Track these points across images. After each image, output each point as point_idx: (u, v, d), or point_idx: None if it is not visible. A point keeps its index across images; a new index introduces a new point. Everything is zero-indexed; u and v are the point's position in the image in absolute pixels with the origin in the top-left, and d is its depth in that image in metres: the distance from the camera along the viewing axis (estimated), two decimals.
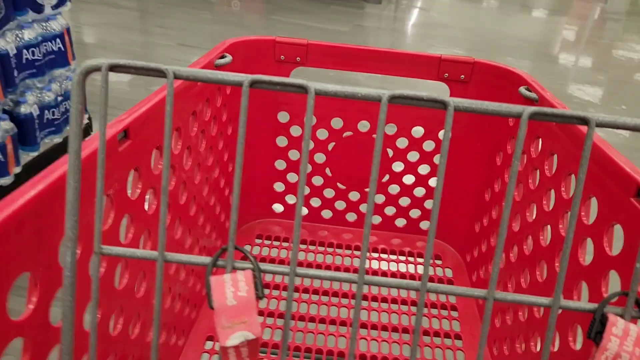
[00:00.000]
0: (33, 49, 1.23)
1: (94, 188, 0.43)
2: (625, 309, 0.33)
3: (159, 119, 0.55)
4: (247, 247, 0.92)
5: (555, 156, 0.66)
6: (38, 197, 0.36)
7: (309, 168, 0.92)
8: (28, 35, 1.21)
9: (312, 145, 0.90)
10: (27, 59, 1.22)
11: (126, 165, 0.50)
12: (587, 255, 0.57)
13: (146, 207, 0.55)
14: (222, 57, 0.75)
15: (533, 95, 0.73)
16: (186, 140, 0.64)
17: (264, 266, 0.33)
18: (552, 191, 0.65)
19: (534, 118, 0.31)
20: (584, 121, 0.31)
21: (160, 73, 0.31)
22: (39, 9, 1.24)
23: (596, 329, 0.32)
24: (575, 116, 0.31)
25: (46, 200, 0.37)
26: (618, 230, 0.52)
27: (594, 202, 0.57)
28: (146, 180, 0.54)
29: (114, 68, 0.31)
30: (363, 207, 0.96)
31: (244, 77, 0.31)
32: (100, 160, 0.31)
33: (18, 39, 1.19)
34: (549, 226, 0.65)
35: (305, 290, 0.84)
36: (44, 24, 1.27)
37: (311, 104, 0.31)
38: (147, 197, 0.55)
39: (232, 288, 0.31)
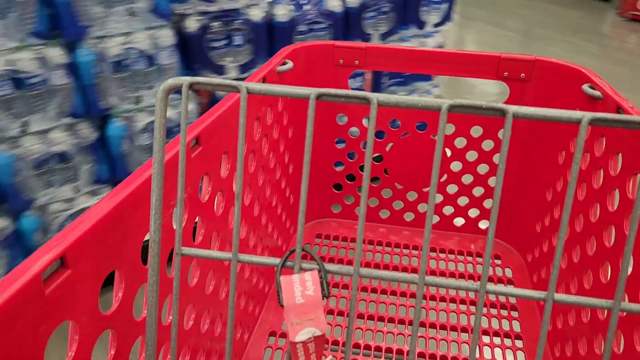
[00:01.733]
0: None
1: (171, 193, 0.46)
2: None
3: (226, 126, 0.58)
4: (307, 246, 0.95)
5: (620, 155, 0.64)
6: (124, 202, 0.40)
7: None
8: None
9: None
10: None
11: (198, 170, 0.54)
12: None
13: (216, 208, 0.58)
14: (284, 63, 0.78)
15: (597, 93, 0.72)
16: (250, 145, 0.68)
17: (329, 267, 0.35)
18: (617, 191, 0.64)
19: (594, 124, 0.32)
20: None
21: (234, 89, 0.33)
22: (421, 25, 1.41)
23: None
24: (638, 121, 0.31)
25: (130, 205, 0.41)
26: None
27: None
28: (216, 183, 0.57)
29: (193, 85, 0.33)
30: (421, 207, 0.97)
31: (310, 91, 0.33)
32: (181, 170, 0.34)
33: None
34: (612, 227, 0.64)
35: (366, 289, 0.86)
36: (422, 40, 1.43)
37: (374, 114, 0.33)
38: (216, 199, 0.59)
39: (300, 287, 0.33)
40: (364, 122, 0.90)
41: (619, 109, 0.66)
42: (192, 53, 1.23)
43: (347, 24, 1.33)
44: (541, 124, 0.86)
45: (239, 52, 1.23)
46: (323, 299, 0.34)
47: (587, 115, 0.31)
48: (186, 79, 0.33)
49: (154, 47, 1.13)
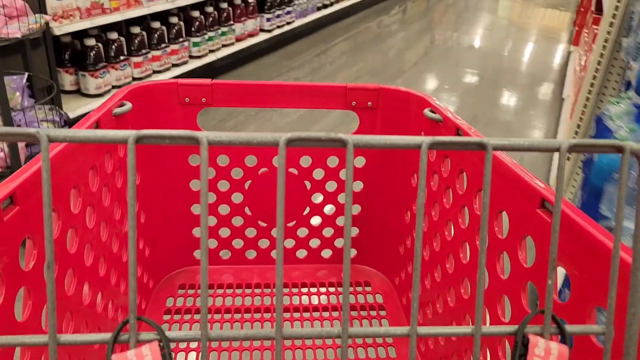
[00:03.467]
0: None
1: None
2: (544, 327, 0.33)
3: (53, 178, 0.51)
4: (170, 300, 0.87)
5: (465, 174, 0.67)
6: None
7: (227, 209, 0.90)
8: None
9: (227, 186, 0.88)
10: None
11: (16, 235, 0.45)
12: (505, 269, 0.58)
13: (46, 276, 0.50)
14: (122, 105, 0.71)
15: (437, 116, 0.75)
16: (87, 198, 0.60)
17: (172, 334, 0.30)
18: (466, 208, 0.67)
19: (434, 148, 0.31)
20: (482, 147, 0.31)
21: (32, 138, 0.28)
22: None
23: (519, 352, 0.32)
24: (473, 142, 0.31)
25: None
26: (532, 242, 0.54)
27: (505, 216, 0.58)
28: (42, 247, 0.49)
29: None
30: (287, 243, 0.94)
31: (129, 134, 0.29)
32: None
33: None
34: (467, 243, 0.66)
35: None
36: None
37: (205, 155, 0.29)
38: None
39: None
40: (219, 160, 0.86)
41: (458, 131, 0.69)
42: None
43: None
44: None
45: None
46: None
47: (426, 140, 0.30)
48: None
49: None
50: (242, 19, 3.36)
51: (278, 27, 3.75)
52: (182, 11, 2.91)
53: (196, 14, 2.96)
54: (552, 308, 0.33)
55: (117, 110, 0.69)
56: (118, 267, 0.70)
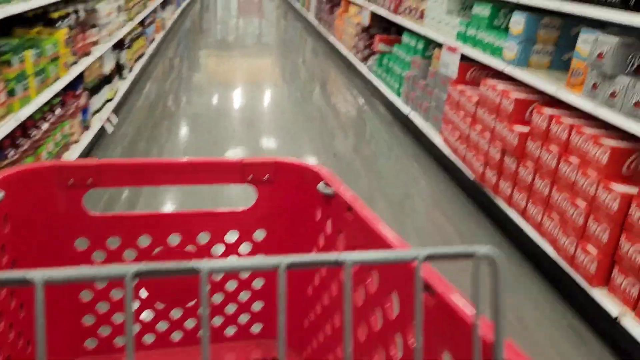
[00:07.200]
0: None
1: None
2: None
3: None
4: None
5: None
6: None
7: (120, 295, 0.84)
8: None
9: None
10: None
11: None
12: (400, 349, 0.58)
13: None
14: None
15: (329, 191, 0.76)
16: None
17: None
18: (364, 288, 0.67)
19: (291, 268, 0.30)
20: (339, 264, 0.31)
21: None
22: None
23: None
24: (330, 261, 0.31)
25: None
26: None
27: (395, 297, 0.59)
28: None
29: None
30: (188, 324, 0.90)
31: None
32: None
33: None
34: (365, 322, 0.66)
35: None
36: None
37: (40, 297, 0.26)
38: None
39: None
40: (107, 243, 0.81)
41: (349, 207, 0.70)
42: None
43: None
44: (289, 226, 0.88)
45: None
46: None
47: (284, 261, 0.30)
48: None
49: None
50: None
51: None
52: None
53: None
54: None
55: None
56: None
